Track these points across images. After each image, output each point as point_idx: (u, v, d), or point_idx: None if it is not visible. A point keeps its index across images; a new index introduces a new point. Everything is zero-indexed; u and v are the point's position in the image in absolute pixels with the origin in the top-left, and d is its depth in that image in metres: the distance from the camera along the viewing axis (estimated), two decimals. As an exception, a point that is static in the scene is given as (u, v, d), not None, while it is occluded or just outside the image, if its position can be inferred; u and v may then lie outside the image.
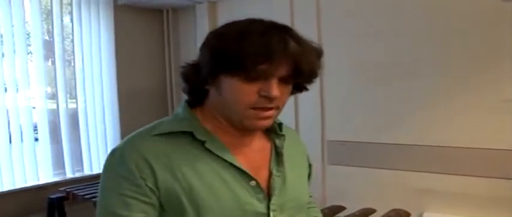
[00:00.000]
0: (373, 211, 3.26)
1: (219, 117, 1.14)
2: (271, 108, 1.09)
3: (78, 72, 4.06)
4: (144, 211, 1.06)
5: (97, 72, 4.14)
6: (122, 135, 4.24)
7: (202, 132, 1.12)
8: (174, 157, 1.09)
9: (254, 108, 1.08)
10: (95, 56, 4.13)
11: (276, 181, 1.18)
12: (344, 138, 3.68)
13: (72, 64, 4.04)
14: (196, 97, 1.17)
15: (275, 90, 1.05)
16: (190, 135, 1.11)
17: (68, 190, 3.56)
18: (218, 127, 1.15)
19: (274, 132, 1.25)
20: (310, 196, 1.42)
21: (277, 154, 1.22)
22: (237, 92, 1.06)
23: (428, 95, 3.32)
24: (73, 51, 4.02)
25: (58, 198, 3.55)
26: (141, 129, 1.15)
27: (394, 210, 3.14)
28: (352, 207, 3.36)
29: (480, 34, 3.07)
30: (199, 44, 1.12)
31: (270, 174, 1.19)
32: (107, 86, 4.21)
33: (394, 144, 3.45)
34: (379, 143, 3.52)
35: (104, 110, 4.20)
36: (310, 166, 1.40)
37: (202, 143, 1.11)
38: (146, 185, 1.05)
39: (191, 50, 4.38)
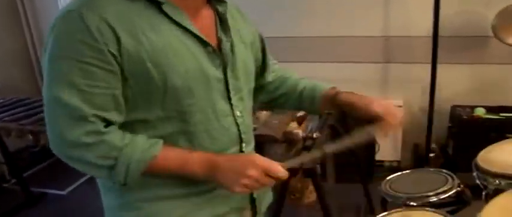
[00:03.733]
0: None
1: None
2: None
3: None
4: (106, 80, 1.02)
5: None
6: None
7: None
8: (137, 21, 1.04)
9: None
10: None
11: (227, 47, 1.21)
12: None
13: None
14: None
15: None
16: None
17: None
18: None
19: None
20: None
21: (221, 22, 1.24)
22: None
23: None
24: None
25: None
26: None
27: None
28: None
29: None
30: None
31: (219, 41, 1.21)
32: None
33: (272, 37, 3.59)
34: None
35: None
36: (262, 40, 1.44)
37: (159, 5, 1.08)
38: (109, 51, 1.00)
39: None
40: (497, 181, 1.25)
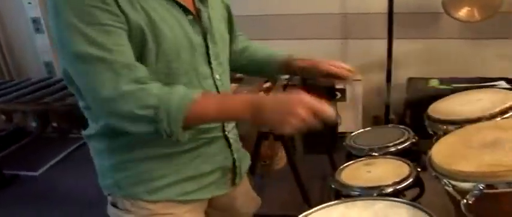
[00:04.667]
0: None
1: None
2: None
3: None
4: (124, 37, 1.09)
5: None
6: None
7: None
8: None
9: None
10: None
11: (205, 16, 1.30)
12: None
13: None
14: None
15: None
16: None
17: None
18: None
19: None
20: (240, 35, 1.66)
21: None
22: None
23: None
24: None
25: None
26: None
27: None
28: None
29: None
30: None
31: (198, 11, 1.29)
32: None
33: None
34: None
35: None
36: (230, 11, 1.53)
37: None
38: (119, 14, 1.07)
39: None
40: (445, 127, 1.43)
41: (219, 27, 1.38)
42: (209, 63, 1.31)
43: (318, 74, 1.54)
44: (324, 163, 3.10)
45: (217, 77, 1.34)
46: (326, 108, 1.09)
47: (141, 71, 1.11)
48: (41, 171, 3.78)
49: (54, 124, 2.78)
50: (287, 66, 1.59)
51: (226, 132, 1.40)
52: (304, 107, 1.06)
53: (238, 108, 1.14)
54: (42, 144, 4.16)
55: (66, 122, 2.77)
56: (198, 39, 1.27)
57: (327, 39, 3.74)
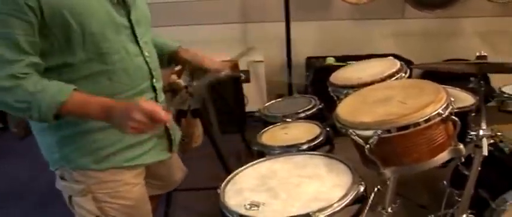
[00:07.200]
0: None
1: None
2: None
3: None
4: (23, 28, 1.18)
5: None
6: None
7: None
8: None
9: None
10: None
11: (130, 0, 1.40)
12: None
13: None
14: None
15: None
16: None
17: None
18: None
19: None
20: None
21: None
22: None
23: None
24: None
25: None
26: None
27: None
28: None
29: None
30: None
31: None
32: None
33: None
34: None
35: None
36: None
37: None
38: (26, 4, 1.16)
39: None
40: (345, 91, 1.70)
41: (143, 8, 1.50)
42: (137, 42, 1.43)
43: (202, 69, 1.76)
44: (236, 141, 3.29)
45: (146, 54, 1.46)
46: (160, 113, 1.23)
47: (22, 64, 1.19)
48: None
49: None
50: (175, 57, 1.75)
51: (158, 103, 1.53)
52: (141, 112, 1.21)
53: (96, 111, 1.27)
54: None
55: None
56: (122, 20, 1.38)
57: (228, 24, 3.90)
